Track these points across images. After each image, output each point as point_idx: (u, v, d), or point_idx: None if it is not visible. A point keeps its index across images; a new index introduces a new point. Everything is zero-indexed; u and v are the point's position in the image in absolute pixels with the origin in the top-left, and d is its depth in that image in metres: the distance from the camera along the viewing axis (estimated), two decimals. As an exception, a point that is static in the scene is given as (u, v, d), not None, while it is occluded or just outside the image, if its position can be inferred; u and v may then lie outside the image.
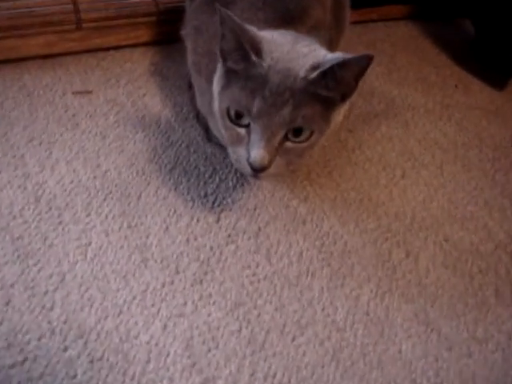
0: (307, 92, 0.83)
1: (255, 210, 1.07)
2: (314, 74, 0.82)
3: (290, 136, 0.85)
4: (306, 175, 1.16)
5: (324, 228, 1.06)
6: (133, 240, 0.96)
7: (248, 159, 0.85)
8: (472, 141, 1.34)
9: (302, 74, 0.82)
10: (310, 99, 0.83)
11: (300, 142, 0.87)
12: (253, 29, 0.86)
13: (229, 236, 1.01)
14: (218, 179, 1.11)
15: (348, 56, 0.80)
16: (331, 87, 0.83)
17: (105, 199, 1.02)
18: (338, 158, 1.21)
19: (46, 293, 0.86)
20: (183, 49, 1.19)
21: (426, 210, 1.14)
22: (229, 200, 1.07)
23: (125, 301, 0.88)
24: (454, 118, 1.40)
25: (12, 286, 0.86)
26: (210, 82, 0.96)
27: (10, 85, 1.23)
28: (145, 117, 1.21)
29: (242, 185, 1.11)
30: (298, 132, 0.85)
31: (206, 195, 1.07)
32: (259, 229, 1.03)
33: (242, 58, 0.84)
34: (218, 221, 1.03)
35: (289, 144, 0.86)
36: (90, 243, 0.94)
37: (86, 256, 0.92)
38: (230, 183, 1.10)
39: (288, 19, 0.98)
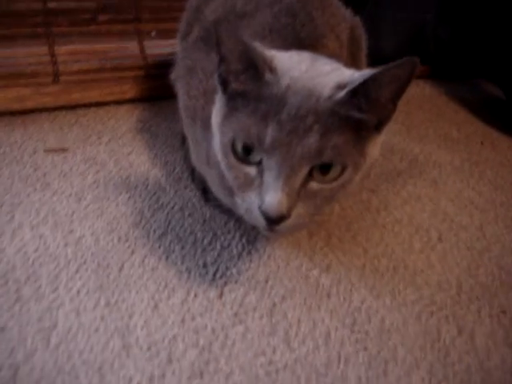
0: (335, 115, 0.65)
1: (267, 282, 0.86)
2: (343, 93, 0.64)
3: (315, 174, 0.66)
4: (325, 240, 0.96)
5: (354, 302, 0.85)
6: (111, 321, 0.75)
7: (261, 206, 0.66)
8: (511, 200, 1.16)
9: (326, 93, 0.65)
10: (339, 124, 0.65)
11: (329, 182, 0.67)
12: (260, 45, 0.70)
13: (235, 315, 0.79)
14: (219, 246, 0.90)
15: (387, 66, 0.62)
16: (364, 108, 0.65)
17: (77, 271, 0.81)
18: (361, 221, 1.02)
19: (-10, 394, 0.64)
20: (175, 105, 1.03)
21: (473, 277, 0.94)
22: (233, 271, 0.87)
23: (99, 403, 0.65)
24: (486, 175, 1.24)
25: None
26: (206, 128, 0.79)
27: (-29, 142, 1.05)
28: (130, 176, 1.02)
29: (250, 252, 0.90)
30: (326, 168, 0.66)
31: (205, 265, 0.87)
32: (273, 305, 0.82)
33: (252, 78, 0.67)
34: (221, 296, 0.82)
35: (314, 185, 0.67)
36: (55, 326, 0.73)
37: (48, 342, 0.71)
38: (235, 250, 0.90)
39: (299, 49, 0.81)
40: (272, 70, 0.66)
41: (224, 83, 0.70)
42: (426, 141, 1.33)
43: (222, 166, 0.73)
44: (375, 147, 0.71)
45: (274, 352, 0.75)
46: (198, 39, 0.96)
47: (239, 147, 0.68)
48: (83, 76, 1.18)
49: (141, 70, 1.25)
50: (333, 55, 0.87)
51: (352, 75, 0.67)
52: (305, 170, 0.65)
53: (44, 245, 0.85)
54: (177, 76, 1.00)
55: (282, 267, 0.89)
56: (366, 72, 0.65)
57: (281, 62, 0.68)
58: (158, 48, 1.29)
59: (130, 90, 1.23)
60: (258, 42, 0.71)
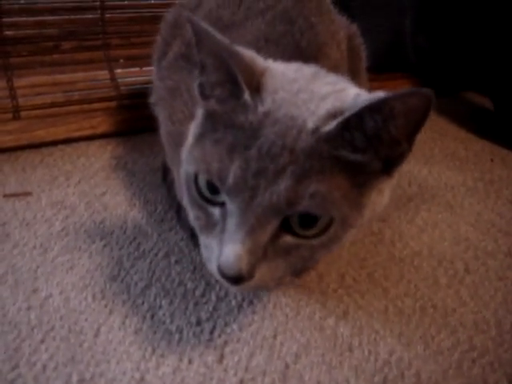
0: (319, 155, 0.51)
1: (275, 337, 0.71)
2: (331, 126, 0.50)
3: (293, 225, 0.53)
4: (337, 282, 0.82)
5: (381, 354, 0.70)
6: (87, 405, 0.59)
7: (218, 259, 0.53)
8: (535, 220, 1.04)
9: (311, 124, 0.51)
10: (323, 166, 0.51)
11: (309, 238, 0.54)
12: (252, 54, 0.57)
13: (241, 382, 0.65)
14: (214, 297, 0.76)
15: (386, 95, 0.48)
16: (360, 147, 0.52)
17: (43, 340, 0.66)
18: (376, 256, 0.88)
19: None
20: (153, 138, 0.90)
21: (512, 312, 0.81)
22: (234, 326, 0.72)
23: None
24: (503, 194, 1.12)
25: None
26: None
27: None
28: (104, 221, 0.88)
29: (251, 303, 0.76)
30: (306, 221, 0.53)
31: (199, 322, 0.72)
32: (286, 366, 0.67)
33: (229, 95, 0.54)
34: (221, 360, 0.67)
35: (288, 239, 0.54)
36: (13, 418, 0.57)
37: None
38: (233, 302, 0.76)
39: (301, 61, 0.69)
40: (257, 88, 0.53)
41: (204, 96, 0.57)
42: (433, 161, 1.22)
43: (184, 200, 0.60)
44: (381, 194, 0.57)
45: (293, 427, 0.60)
46: (179, 57, 0.84)
47: (202, 184, 0.55)
48: (47, 110, 1.05)
49: (113, 101, 1.12)
50: (335, 67, 0.76)
51: (355, 99, 0.53)
52: (274, 222, 0.52)
53: (1, 310, 0.69)
54: (157, 99, 0.87)
55: (291, 318, 0.74)
56: (365, 98, 0.51)
57: (272, 78, 0.55)
58: (131, 76, 1.16)
59: (101, 124, 1.10)
60: (251, 50, 0.59)
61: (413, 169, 1.17)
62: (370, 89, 0.58)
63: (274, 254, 0.54)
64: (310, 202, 0.50)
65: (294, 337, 0.71)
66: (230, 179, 0.51)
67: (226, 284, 0.55)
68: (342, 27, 0.87)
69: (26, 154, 1.03)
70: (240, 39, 0.76)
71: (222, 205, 0.54)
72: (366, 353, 0.71)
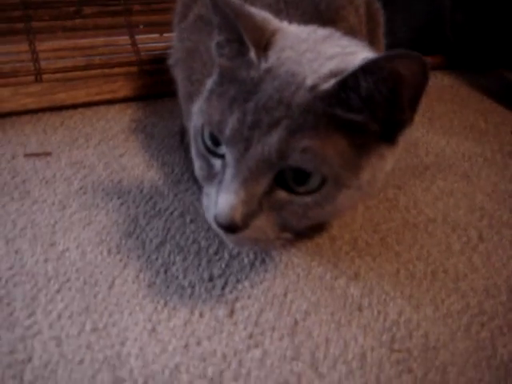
0: (314, 110, 0.52)
1: (286, 295, 0.72)
2: (330, 84, 0.51)
3: (287, 180, 0.55)
4: (350, 244, 0.82)
5: (391, 315, 0.71)
6: (99, 350, 0.61)
7: (214, 208, 0.56)
8: (552, 192, 1.03)
9: (310, 81, 0.53)
10: (318, 122, 0.52)
11: (302, 194, 0.55)
12: (265, 15, 0.59)
13: (250, 336, 0.66)
14: (227, 255, 0.77)
15: (377, 56, 0.50)
16: (356, 107, 0.52)
17: (59, 290, 0.68)
18: (390, 221, 0.88)
19: None
20: (172, 103, 0.91)
21: (525, 280, 0.81)
22: (245, 283, 0.73)
23: None
24: (522, 166, 1.10)
25: None
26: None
27: None
28: (122, 181, 0.90)
29: (263, 261, 0.77)
30: (300, 177, 0.54)
31: (211, 278, 0.73)
32: (295, 322, 0.68)
33: (237, 52, 0.57)
34: (231, 314, 0.69)
35: (282, 194, 0.55)
36: (30, 359, 0.59)
37: (21, 380, 0.57)
38: (246, 260, 0.77)
39: (318, 22, 0.69)
40: (266, 46, 0.56)
41: (220, 54, 0.60)
42: (452, 132, 1.21)
43: (192, 151, 0.63)
44: (383, 160, 0.58)
45: (298, 380, 0.61)
46: (198, 18, 0.85)
47: (207, 135, 0.58)
48: (68, 74, 1.07)
49: (133, 65, 1.13)
50: (353, 31, 0.76)
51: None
52: (268, 175, 0.54)
53: (20, 261, 0.72)
54: (176, 60, 0.89)
55: (302, 277, 0.75)
56: (363, 59, 0.52)
57: (282, 38, 0.57)
58: (151, 42, 1.17)
59: (121, 89, 1.11)
60: (267, 12, 0.60)
61: (431, 139, 1.16)
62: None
63: (269, 208, 0.56)
64: (302, 156, 0.52)
65: (305, 295, 0.72)
66: (228, 130, 0.53)
67: (221, 234, 0.57)
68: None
69: (46, 116, 1.05)
70: (260, 1, 0.77)
71: (224, 157, 0.56)
72: (376, 313, 0.71)
